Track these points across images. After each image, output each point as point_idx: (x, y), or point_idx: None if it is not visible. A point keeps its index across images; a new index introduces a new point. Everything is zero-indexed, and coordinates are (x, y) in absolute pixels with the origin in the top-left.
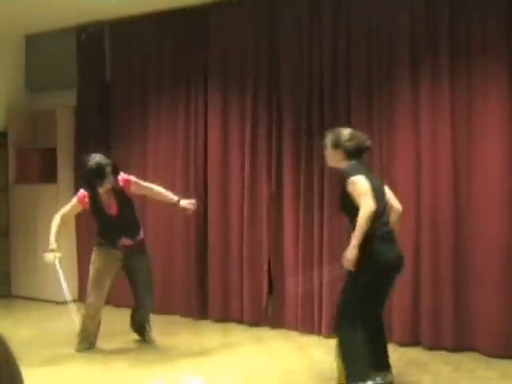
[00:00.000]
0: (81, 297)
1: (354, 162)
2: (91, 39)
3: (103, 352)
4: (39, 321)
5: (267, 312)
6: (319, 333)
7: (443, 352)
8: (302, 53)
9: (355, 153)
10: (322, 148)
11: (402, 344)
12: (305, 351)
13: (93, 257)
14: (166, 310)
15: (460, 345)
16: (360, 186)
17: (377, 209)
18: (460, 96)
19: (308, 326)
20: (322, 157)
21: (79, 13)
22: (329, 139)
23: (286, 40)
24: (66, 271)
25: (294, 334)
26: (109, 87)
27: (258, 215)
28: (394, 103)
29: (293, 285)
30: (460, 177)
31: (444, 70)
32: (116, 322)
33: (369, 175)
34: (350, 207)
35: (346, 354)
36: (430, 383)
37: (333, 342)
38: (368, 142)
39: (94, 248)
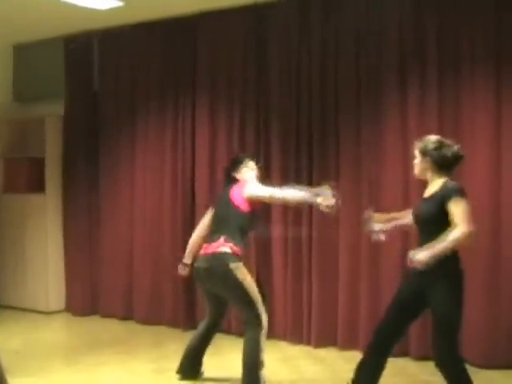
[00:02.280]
0: (68, 306)
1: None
2: (79, 49)
3: (93, 362)
4: (28, 331)
5: None
6: (308, 343)
7: (431, 362)
8: (290, 62)
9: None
10: (310, 158)
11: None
12: (293, 362)
13: (237, 276)
14: (154, 320)
15: None
16: (464, 209)
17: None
18: (448, 104)
19: (297, 336)
20: (310, 166)
21: (68, 23)
22: (418, 147)
23: (274, 50)
24: (53, 280)
25: (282, 345)
26: (97, 97)
27: None
28: (382, 111)
29: (281, 295)
30: None
31: (432, 78)
32: (104, 332)
33: None
34: (439, 219)
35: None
36: None
37: (321, 353)
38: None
39: (233, 263)
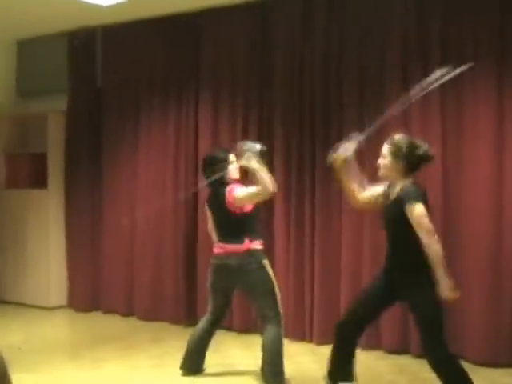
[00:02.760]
0: (70, 302)
1: (411, 182)
2: (83, 45)
3: (94, 358)
4: (30, 327)
5: (257, 319)
6: (310, 340)
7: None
8: (293, 60)
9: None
10: (312, 157)
11: (391, 351)
12: (294, 359)
13: (269, 272)
14: (155, 316)
15: None
16: (426, 221)
17: None
18: (450, 104)
19: (299, 333)
20: (313, 168)
21: (71, 18)
22: (388, 147)
23: (278, 47)
24: (55, 276)
25: (284, 342)
26: (100, 93)
27: None
28: (385, 110)
29: (283, 292)
30: (449, 184)
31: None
32: (105, 328)
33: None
34: (401, 222)
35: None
36: None
37: (323, 350)
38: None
39: (265, 260)
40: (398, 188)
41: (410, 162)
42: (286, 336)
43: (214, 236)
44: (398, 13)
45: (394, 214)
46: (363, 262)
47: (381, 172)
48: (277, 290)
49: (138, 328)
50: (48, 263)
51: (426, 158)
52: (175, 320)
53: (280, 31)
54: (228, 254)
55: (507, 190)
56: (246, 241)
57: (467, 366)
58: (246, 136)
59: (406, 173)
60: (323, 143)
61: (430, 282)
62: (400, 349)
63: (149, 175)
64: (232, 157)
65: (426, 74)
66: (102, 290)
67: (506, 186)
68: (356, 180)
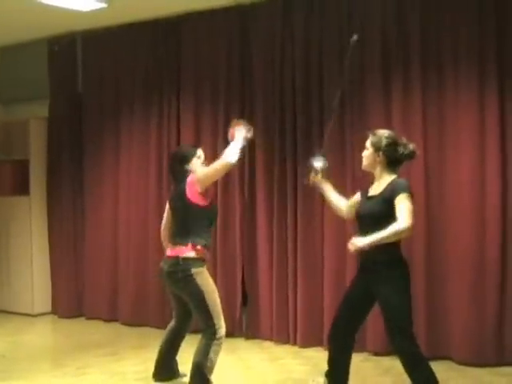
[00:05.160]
0: (53, 308)
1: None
2: (63, 51)
3: (79, 365)
4: (13, 334)
5: (241, 322)
6: (294, 343)
7: None
8: (274, 63)
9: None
10: (294, 154)
11: (376, 353)
12: (279, 362)
13: (198, 282)
14: (139, 321)
15: (433, 353)
16: (410, 204)
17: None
18: (431, 106)
19: (283, 336)
20: (294, 166)
21: (51, 24)
22: (370, 139)
23: (258, 50)
24: (38, 282)
25: (268, 345)
26: (81, 98)
27: (231, 225)
28: (366, 114)
29: (267, 295)
30: (431, 186)
31: (415, 81)
32: (90, 334)
33: None
34: (386, 216)
35: (422, 376)
36: None
37: (307, 353)
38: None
39: (196, 269)
40: (382, 184)
41: (390, 155)
42: (270, 339)
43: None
44: (377, 12)
45: (375, 209)
46: (346, 266)
47: (363, 163)
48: (210, 301)
49: (123, 334)
50: (31, 270)
51: (407, 155)
52: (160, 324)
53: (260, 34)
54: (165, 258)
55: (489, 190)
56: (188, 246)
57: (453, 367)
58: (227, 138)
59: (387, 167)
60: (305, 143)
61: (403, 277)
62: (385, 350)
63: (131, 180)
64: (199, 152)
65: (405, 73)
66: (86, 296)
67: (488, 186)
68: (334, 194)
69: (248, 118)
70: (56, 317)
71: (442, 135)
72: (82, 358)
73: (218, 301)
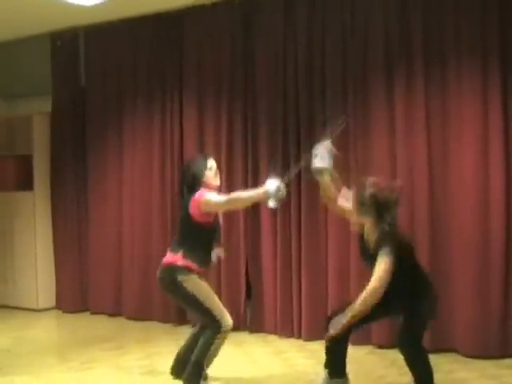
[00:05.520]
0: (58, 303)
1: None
2: (66, 45)
3: (83, 359)
4: (17, 329)
5: (246, 316)
6: (298, 337)
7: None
8: (277, 58)
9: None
10: (298, 152)
11: (381, 346)
12: (284, 355)
13: (191, 284)
14: (144, 316)
15: (438, 346)
16: (385, 264)
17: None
18: (434, 100)
19: (287, 330)
20: (298, 160)
21: (54, 19)
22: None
23: (261, 45)
24: (43, 277)
25: (272, 338)
26: (84, 93)
27: (235, 220)
28: (369, 109)
29: (271, 289)
30: (435, 180)
31: (418, 75)
32: (94, 329)
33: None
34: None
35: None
36: None
37: (312, 346)
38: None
39: (186, 276)
40: (375, 234)
41: (376, 214)
42: (275, 333)
43: None
44: (380, 6)
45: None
46: (350, 258)
47: (352, 225)
48: (204, 298)
49: (127, 328)
50: (35, 265)
51: (389, 208)
52: (164, 319)
53: (262, 28)
54: (160, 265)
55: (493, 183)
56: (179, 255)
57: (458, 359)
58: (230, 134)
59: (377, 221)
60: (308, 138)
61: (421, 304)
62: (390, 343)
63: (135, 175)
64: (211, 162)
65: (409, 67)
66: (90, 291)
67: (492, 179)
68: (336, 188)
69: (251, 112)
70: (60, 312)
71: (445, 129)
72: (87, 352)
73: (214, 295)
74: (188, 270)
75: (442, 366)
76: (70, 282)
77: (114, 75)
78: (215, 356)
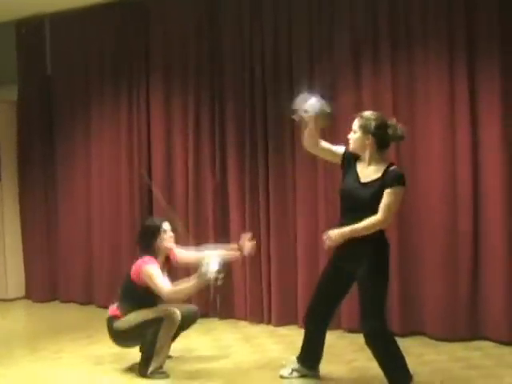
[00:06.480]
0: (28, 293)
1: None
2: (31, 33)
3: (54, 349)
4: None
5: (215, 303)
6: (268, 322)
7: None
8: (243, 43)
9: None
10: (265, 138)
11: (351, 330)
12: (254, 341)
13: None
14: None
15: (407, 329)
16: (398, 200)
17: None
18: (401, 84)
19: (257, 315)
20: (265, 144)
21: (19, 7)
22: (358, 122)
23: (227, 32)
24: (12, 267)
25: (242, 324)
26: (50, 81)
27: (204, 207)
28: (336, 93)
29: (241, 275)
30: (402, 160)
31: (385, 59)
32: (64, 318)
33: None
34: (372, 207)
35: (389, 358)
36: (378, 368)
37: (282, 331)
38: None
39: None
40: (377, 171)
41: (379, 138)
42: (245, 319)
43: None
44: None
45: (370, 195)
46: (319, 243)
47: (351, 146)
48: (138, 321)
49: (98, 316)
50: (4, 254)
51: (397, 137)
52: None
53: (229, 15)
54: None
55: (460, 165)
56: (113, 307)
57: (427, 342)
58: (197, 120)
59: (375, 149)
60: (275, 125)
61: (383, 257)
62: (359, 327)
63: (103, 163)
64: (167, 225)
65: (375, 51)
66: (60, 280)
67: (459, 161)
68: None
69: (218, 99)
70: (30, 301)
71: (412, 113)
72: (58, 342)
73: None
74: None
75: (411, 349)
76: (40, 271)
77: (81, 63)
78: (167, 347)
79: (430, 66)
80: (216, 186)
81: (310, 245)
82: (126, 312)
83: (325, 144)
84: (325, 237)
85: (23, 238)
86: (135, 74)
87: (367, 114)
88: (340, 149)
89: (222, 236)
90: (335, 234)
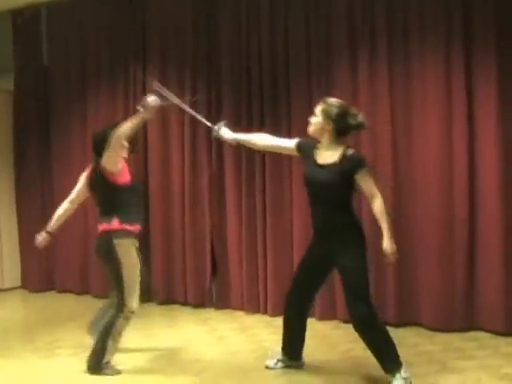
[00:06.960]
0: (24, 283)
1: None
2: (27, 23)
3: (50, 339)
4: None
5: (211, 293)
6: (264, 312)
7: (387, 327)
8: (240, 40)
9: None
10: (262, 126)
11: (346, 321)
12: (250, 331)
13: (118, 255)
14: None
15: (403, 319)
16: (374, 177)
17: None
18: (398, 79)
19: (253, 306)
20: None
21: None
22: (320, 107)
23: (224, 18)
24: (8, 257)
25: (239, 314)
26: (47, 71)
27: (200, 197)
28: (333, 87)
29: (237, 265)
30: (399, 154)
31: (382, 54)
32: (61, 308)
33: None
34: (341, 187)
35: (381, 342)
36: (374, 359)
37: (278, 322)
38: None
39: (121, 240)
40: (334, 154)
41: (340, 125)
42: (241, 309)
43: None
44: None
45: (331, 179)
46: None
47: (310, 129)
48: (127, 277)
49: (94, 306)
50: (0, 244)
51: (356, 125)
52: None
53: (226, 2)
54: (98, 235)
55: (455, 157)
56: (115, 221)
57: (423, 332)
58: (193, 110)
59: (335, 136)
60: (271, 108)
61: (359, 242)
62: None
63: None
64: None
65: (372, 44)
66: (57, 270)
67: (455, 153)
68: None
69: (215, 89)
70: (26, 291)
71: (409, 109)
72: (54, 331)
73: (136, 278)
74: (125, 233)
75: (407, 339)
76: (36, 260)
77: (77, 53)
78: (118, 342)
79: (426, 61)
80: (212, 176)
81: (306, 236)
82: (130, 219)
83: (272, 141)
84: (390, 256)
85: (19, 227)
86: (131, 63)
87: (332, 100)
88: (290, 142)
89: (218, 225)
90: (390, 245)
